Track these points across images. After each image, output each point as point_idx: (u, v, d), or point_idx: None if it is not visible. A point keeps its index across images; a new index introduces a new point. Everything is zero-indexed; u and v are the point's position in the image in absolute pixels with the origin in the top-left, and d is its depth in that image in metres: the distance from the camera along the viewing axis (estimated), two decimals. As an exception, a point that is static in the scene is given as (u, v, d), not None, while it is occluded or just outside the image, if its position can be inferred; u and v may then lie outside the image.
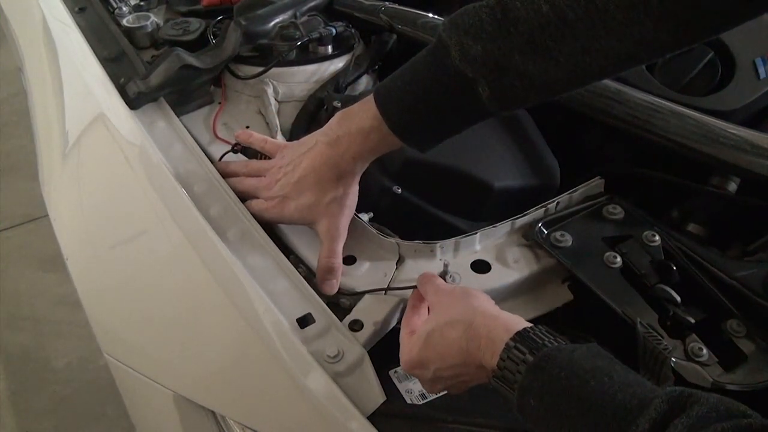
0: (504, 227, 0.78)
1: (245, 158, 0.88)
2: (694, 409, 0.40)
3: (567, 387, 0.46)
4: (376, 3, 1.06)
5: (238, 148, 0.88)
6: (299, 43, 0.98)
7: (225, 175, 0.83)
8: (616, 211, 0.78)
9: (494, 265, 0.75)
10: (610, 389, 0.44)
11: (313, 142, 0.75)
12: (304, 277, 0.73)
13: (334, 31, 1.02)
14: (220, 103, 0.98)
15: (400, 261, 0.75)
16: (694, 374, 0.62)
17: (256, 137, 0.85)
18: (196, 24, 1.06)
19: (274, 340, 0.65)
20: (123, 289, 0.84)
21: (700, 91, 0.90)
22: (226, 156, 0.88)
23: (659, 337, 0.63)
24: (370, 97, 0.69)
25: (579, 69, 0.60)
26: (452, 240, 0.76)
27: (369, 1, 1.07)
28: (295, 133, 0.94)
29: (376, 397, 0.62)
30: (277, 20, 1.01)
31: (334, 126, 0.73)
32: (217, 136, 0.92)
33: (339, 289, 0.73)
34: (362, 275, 0.74)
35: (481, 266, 0.75)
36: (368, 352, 0.65)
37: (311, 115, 0.96)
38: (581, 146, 0.96)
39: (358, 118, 0.70)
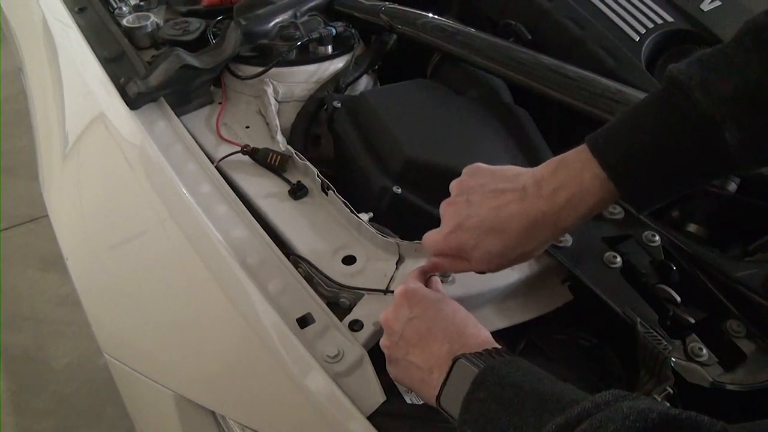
0: (504, 227, 0.78)
1: (252, 160, 0.88)
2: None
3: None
4: (376, 3, 1.06)
5: (247, 149, 0.88)
6: (299, 43, 0.99)
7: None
8: (615, 211, 0.78)
9: (494, 265, 0.75)
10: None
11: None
12: (304, 277, 0.73)
13: (334, 31, 1.02)
14: (220, 103, 0.98)
15: (400, 261, 0.75)
16: (694, 374, 0.62)
17: None
18: (196, 24, 1.06)
19: (274, 340, 0.65)
20: (123, 289, 0.84)
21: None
22: (233, 157, 0.88)
23: (659, 337, 0.63)
24: (581, 147, 0.57)
25: None
26: (452, 240, 0.75)
27: (369, 1, 1.07)
28: (295, 133, 0.94)
29: (376, 397, 0.62)
30: (277, 20, 1.02)
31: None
32: (221, 137, 0.92)
33: (339, 287, 0.73)
34: (362, 275, 0.74)
35: (481, 266, 0.75)
36: (368, 352, 0.65)
37: (311, 115, 0.96)
38: (581, 146, 0.96)
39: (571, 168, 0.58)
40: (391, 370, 0.62)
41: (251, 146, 0.88)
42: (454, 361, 0.54)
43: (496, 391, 0.49)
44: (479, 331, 0.58)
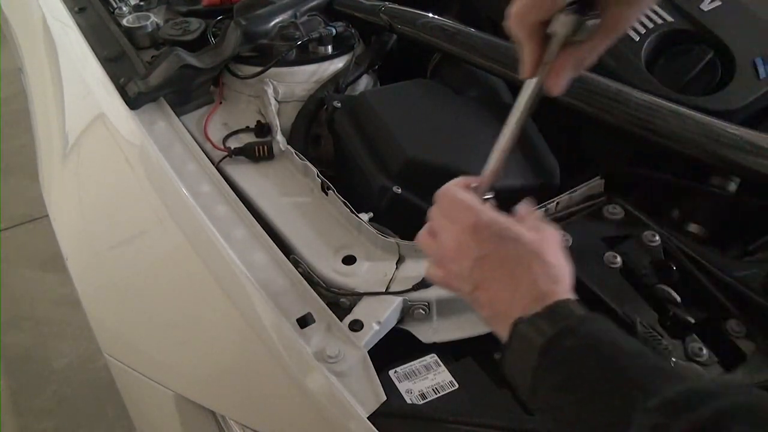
0: (504, 227, 0.78)
1: (247, 158, 0.88)
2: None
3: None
4: (376, 3, 1.06)
5: (236, 150, 0.88)
6: (299, 43, 0.99)
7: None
8: (616, 211, 0.78)
9: (494, 265, 0.75)
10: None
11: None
12: (304, 277, 0.73)
13: (334, 31, 1.02)
14: (220, 103, 0.99)
15: (400, 261, 0.75)
16: (694, 374, 0.62)
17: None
18: (196, 24, 1.06)
19: (274, 340, 0.65)
20: (123, 289, 0.84)
21: (700, 91, 0.89)
22: (223, 161, 0.89)
23: (659, 337, 0.63)
24: None
25: None
26: (452, 240, 0.75)
27: (369, 1, 1.07)
28: (295, 133, 0.94)
29: (376, 397, 0.62)
30: (277, 20, 1.02)
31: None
32: (207, 137, 0.92)
33: (339, 289, 0.73)
34: (362, 275, 0.74)
35: (481, 266, 0.75)
36: (368, 352, 0.65)
37: (311, 115, 0.96)
38: (581, 146, 0.96)
39: None
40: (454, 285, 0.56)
41: (238, 149, 0.89)
42: (514, 325, 0.49)
43: (566, 367, 0.44)
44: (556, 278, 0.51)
